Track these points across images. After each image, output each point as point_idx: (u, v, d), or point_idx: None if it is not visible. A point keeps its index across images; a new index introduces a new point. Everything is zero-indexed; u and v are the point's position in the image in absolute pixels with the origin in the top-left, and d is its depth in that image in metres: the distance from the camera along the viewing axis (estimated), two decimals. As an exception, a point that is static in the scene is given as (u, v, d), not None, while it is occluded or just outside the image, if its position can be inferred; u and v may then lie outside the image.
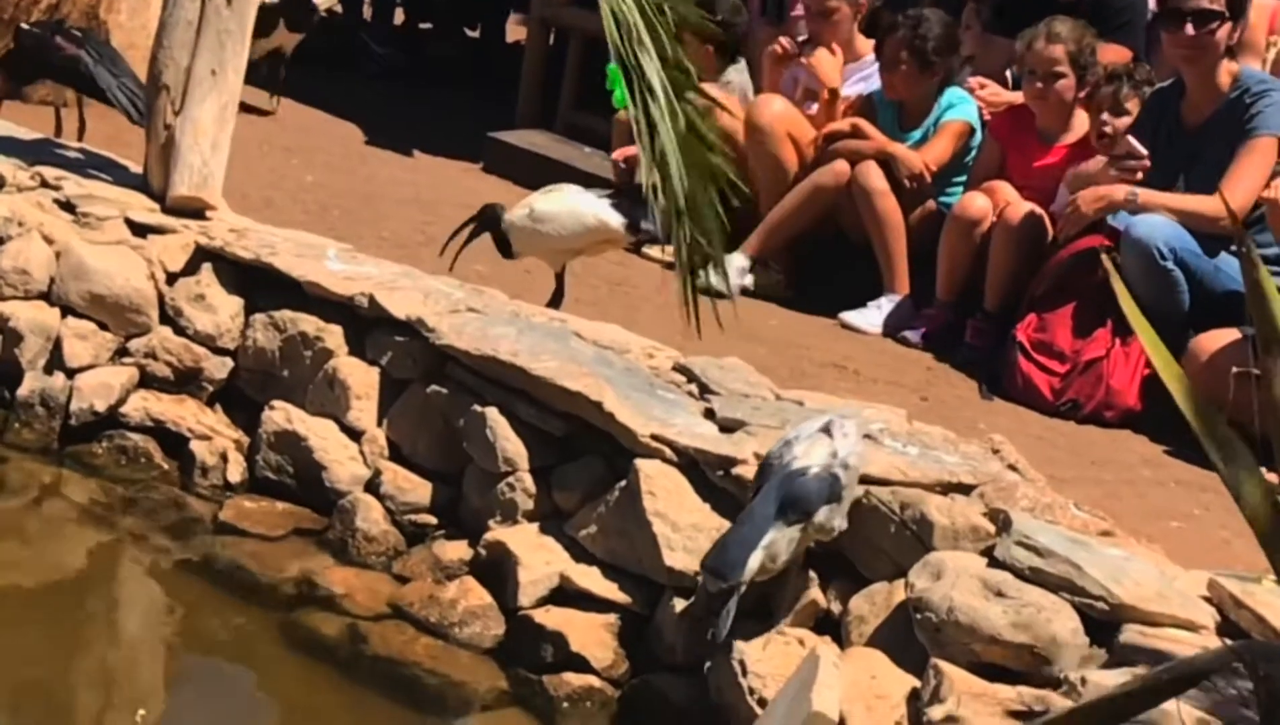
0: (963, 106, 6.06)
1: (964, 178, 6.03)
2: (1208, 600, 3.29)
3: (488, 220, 5.01)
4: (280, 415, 4.45)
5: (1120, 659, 3.11)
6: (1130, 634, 3.15)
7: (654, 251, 5.33)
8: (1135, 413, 5.11)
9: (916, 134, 6.07)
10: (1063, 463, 4.62)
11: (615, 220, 4.89)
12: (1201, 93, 5.33)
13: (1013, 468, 3.82)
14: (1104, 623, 3.19)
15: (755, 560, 3.34)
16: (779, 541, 3.37)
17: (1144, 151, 5.27)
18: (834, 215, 6.08)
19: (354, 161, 7.22)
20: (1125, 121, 5.50)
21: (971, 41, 6.43)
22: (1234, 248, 4.63)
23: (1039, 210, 5.56)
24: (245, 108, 7.23)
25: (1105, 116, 5.53)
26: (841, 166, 5.98)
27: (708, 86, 6.53)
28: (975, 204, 5.67)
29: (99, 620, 4.03)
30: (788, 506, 3.38)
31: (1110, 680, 2.97)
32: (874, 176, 5.89)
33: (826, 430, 3.51)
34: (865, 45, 6.39)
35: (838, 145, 6.04)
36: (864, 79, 6.37)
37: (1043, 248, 5.51)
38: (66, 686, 3.64)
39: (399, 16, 10.03)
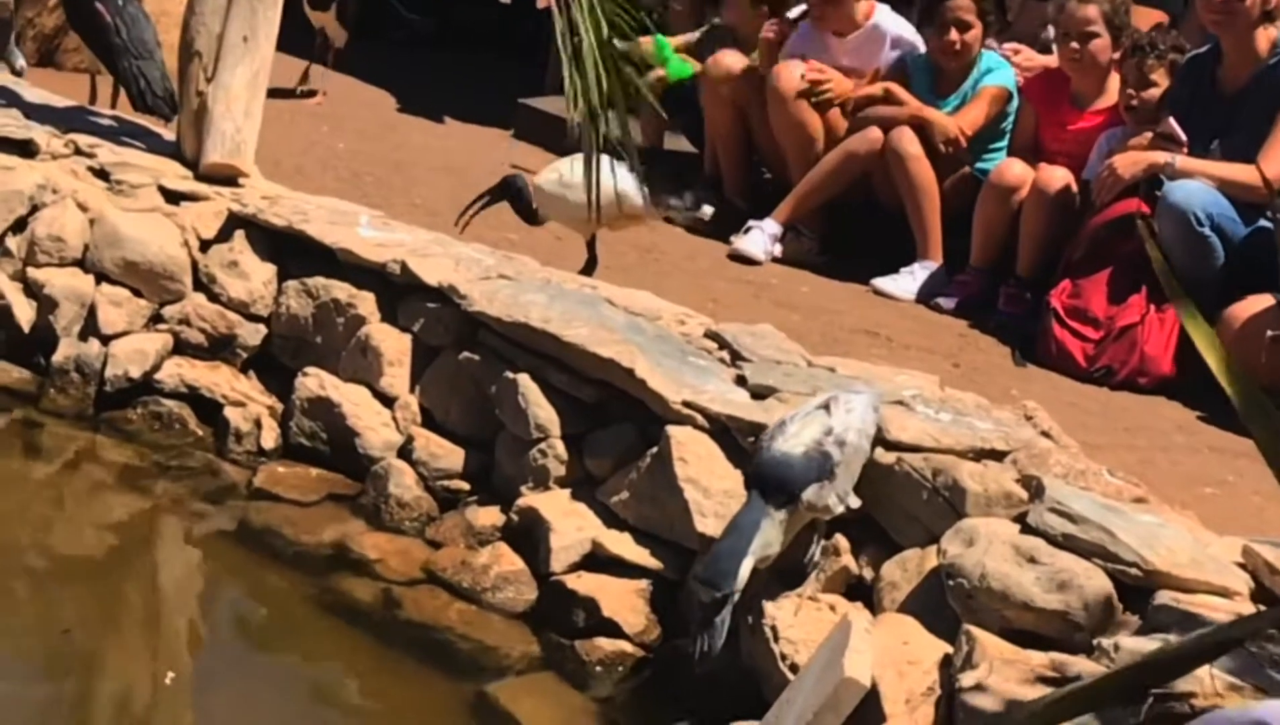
0: (1000, 72, 6.02)
1: (1001, 144, 5.99)
2: (1241, 567, 3.27)
3: (506, 190, 5.02)
4: (313, 381, 4.47)
5: (1153, 625, 3.10)
6: (1163, 600, 3.14)
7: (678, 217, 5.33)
8: (1169, 379, 5.08)
9: (954, 99, 6.02)
10: (1096, 429, 4.60)
11: (641, 196, 4.89)
12: (1238, 58, 5.28)
13: (1046, 434, 3.81)
14: (1137, 589, 3.17)
15: (746, 568, 3.31)
16: (769, 533, 3.35)
17: (1184, 137, 5.22)
18: (867, 181, 6.05)
19: (385, 128, 7.22)
20: (1153, 93, 5.45)
21: (1015, 6, 6.39)
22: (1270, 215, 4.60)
23: (1073, 176, 5.52)
24: (296, 92, 7.30)
25: (1131, 91, 5.49)
26: (875, 133, 5.94)
27: (676, 39, 6.70)
28: (1013, 170, 5.64)
29: (133, 585, 4.06)
30: (771, 492, 3.36)
31: (1143, 647, 2.96)
32: (908, 141, 5.86)
33: (827, 407, 3.47)
34: (863, 13, 6.30)
35: (871, 111, 6.01)
36: (865, 48, 6.30)
37: (1075, 213, 5.48)
38: (101, 649, 3.66)
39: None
